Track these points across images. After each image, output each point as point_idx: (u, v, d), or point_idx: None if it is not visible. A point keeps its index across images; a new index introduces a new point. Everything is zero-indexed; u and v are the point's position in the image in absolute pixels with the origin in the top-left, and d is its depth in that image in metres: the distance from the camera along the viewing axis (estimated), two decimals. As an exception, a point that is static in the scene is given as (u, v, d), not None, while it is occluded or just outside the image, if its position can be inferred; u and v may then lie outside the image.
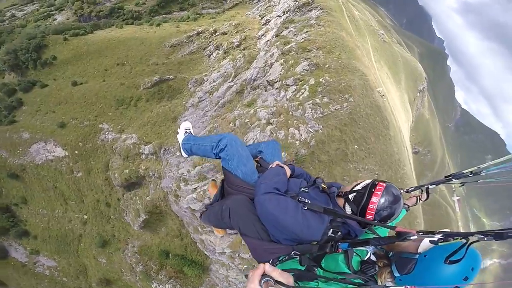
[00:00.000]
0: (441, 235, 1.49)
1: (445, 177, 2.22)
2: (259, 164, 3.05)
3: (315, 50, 26.39)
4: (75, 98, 36.93)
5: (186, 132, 3.47)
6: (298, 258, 2.01)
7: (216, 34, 38.15)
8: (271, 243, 2.26)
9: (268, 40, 31.90)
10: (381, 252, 1.83)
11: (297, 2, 34.68)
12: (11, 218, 36.81)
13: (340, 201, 2.25)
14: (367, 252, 1.85)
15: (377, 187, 2.03)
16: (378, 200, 1.98)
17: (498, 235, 1.35)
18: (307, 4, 33.81)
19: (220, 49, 35.65)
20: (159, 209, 30.84)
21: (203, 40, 38.29)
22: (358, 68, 24.84)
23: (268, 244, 2.27)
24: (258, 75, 25.54)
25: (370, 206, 1.99)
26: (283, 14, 35.29)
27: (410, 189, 2.50)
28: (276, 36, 30.90)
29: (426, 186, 2.41)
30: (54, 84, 40.07)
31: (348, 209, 2.16)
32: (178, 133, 3.54)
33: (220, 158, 2.78)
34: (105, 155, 33.74)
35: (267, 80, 23.46)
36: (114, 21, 50.50)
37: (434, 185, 2.33)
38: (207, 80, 31.67)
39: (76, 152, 34.53)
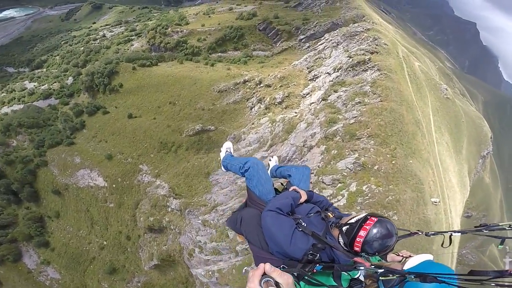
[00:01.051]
0: (382, 270, 1.75)
1: (475, 227, 2.00)
2: (285, 188, 3.46)
3: (366, 139, 22.93)
4: (127, 131, 39.70)
5: (226, 151, 4.14)
6: (287, 269, 2.06)
7: (261, 85, 37.27)
8: (269, 254, 2.54)
9: (312, 103, 29.44)
10: (371, 273, 1.87)
11: (351, 59, 31.41)
12: (39, 228, 39.90)
13: (335, 232, 2.44)
14: (358, 272, 1.91)
15: (368, 222, 2.11)
16: (365, 233, 2.07)
17: (423, 277, 1.53)
18: (362, 62, 30.33)
19: (262, 103, 34.54)
20: (172, 258, 30.62)
21: (248, 90, 37.80)
22: (415, 173, 20.65)
23: (266, 254, 2.56)
24: (294, 156, 23.32)
25: (357, 239, 2.10)
26: (334, 72, 32.38)
27: (430, 233, 2.35)
28: (323, 100, 28.28)
29: (449, 232, 2.21)
30: (114, 112, 43.88)
31: (341, 240, 2.31)
32: (221, 151, 4.18)
33: (245, 176, 3.26)
34: (138, 194, 35.14)
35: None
36: (177, 55, 54.05)
37: (459, 233, 2.12)
38: (245, 139, 30.61)
39: (114, 185, 36.74)
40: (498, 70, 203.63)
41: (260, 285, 1.39)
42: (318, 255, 2.20)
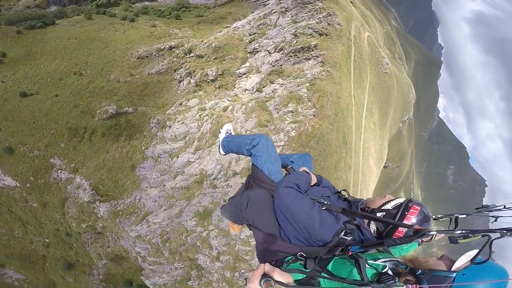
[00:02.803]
0: (460, 231, 1.59)
1: (476, 208, 2.06)
2: (288, 173, 3.13)
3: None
4: (23, 116, 31.80)
5: (227, 132, 3.82)
6: (303, 261, 1.94)
7: (191, 55, 31.16)
8: (280, 240, 2.29)
9: (247, 91, 26.12)
10: (403, 269, 1.70)
11: (295, 40, 27.65)
12: None
13: (368, 215, 2.18)
14: (385, 266, 1.74)
15: (411, 210, 1.98)
16: (411, 222, 1.93)
17: None
18: (307, 48, 27.02)
19: (193, 77, 29.49)
20: (121, 255, 30.02)
21: (175, 59, 31.48)
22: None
23: (277, 241, 2.28)
24: (219, 176, 21.32)
25: (401, 229, 1.92)
26: (274, 51, 28.20)
27: (438, 216, 2.20)
28: (257, 91, 25.16)
29: (455, 215, 2.09)
30: (1, 90, 34.19)
31: (373, 227, 2.10)
32: (220, 132, 3.81)
33: (251, 154, 2.93)
34: (60, 192, 30.68)
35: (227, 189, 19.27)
36: (85, 7, 41.58)
37: (465, 215, 2.08)
38: (171, 127, 26.62)
39: (28, 185, 31.20)
40: (435, 34, 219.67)
41: (260, 285, 1.34)
42: (352, 234, 1.98)
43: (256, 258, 2.51)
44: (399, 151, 68.91)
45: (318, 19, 31.77)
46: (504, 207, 1.91)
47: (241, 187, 3.16)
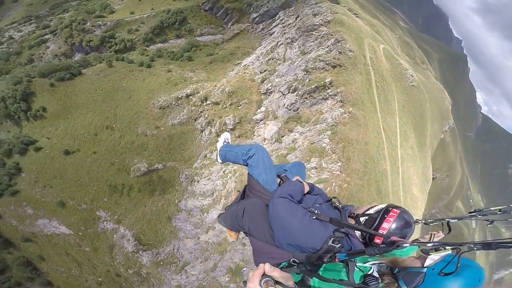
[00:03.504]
0: (432, 244, 1.64)
1: (469, 212, 2.13)
2: (282, 181, 3.22)
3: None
4: (69, 174, 35.53)
5: (224, 141, 3.92)
6: (296, 266, 2.07)
7: (207, 102, 32.03)
8: (275, 247, 2.38)
9: (266, 141, 26.38)
10: (385, 270, 1.78)
11: (307, 78, 26.94)
12: (34, 271, 39.76)
13: (351, 222, 2.30)
14: (371, 268, 1.82)
15: (390, 213, 2.05)
16: (389, 226, 1.99)
17: (487, 245, 1.46)
18: (322, 87, 26.10)
19: (213, 126, 30.53)
20: None
21: (193, 107, 32.64)
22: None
23: (272, 248, 2.39)
24: (246, 241, 22.11)
25: (380, 231, 2.00)
26: (288, 92, 27.83)
27: (429, 221, 2.40)
28: (277, 141, 25.32)
29: (447, 219, 2.28)
30: (48, 147, 38.19)
31: (357, 232, 2.19)
32: (218, 141, 3.95)
33: (247, 164, 3.02)
34: (107, 240, 34.26)
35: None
36: (105, 55, 43.75)
37: (456, 219, 2.22)
38: (198, 184, 28.28)
39: (80, 233, 35.23)
40: (449, 28, 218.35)
41: (260, 285, 1.35)
42: (340, 242, 2.08)
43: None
44: (446, 160, 63.56)
45: (327, 47, 30.19)
46: (500, 210, 1.94)
47: (238, 195, 3.26)
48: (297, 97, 27.54)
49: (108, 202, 33.28)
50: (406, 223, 2.02)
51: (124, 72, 40.49)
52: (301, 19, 36.05)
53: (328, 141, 23.63)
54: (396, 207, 2.10)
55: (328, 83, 27.22)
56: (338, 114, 25.33)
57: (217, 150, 3.80)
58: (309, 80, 28.22)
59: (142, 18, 47.40)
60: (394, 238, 1.87)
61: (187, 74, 37.38)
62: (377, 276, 1.74)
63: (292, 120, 25.96)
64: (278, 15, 41.65)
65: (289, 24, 37.19)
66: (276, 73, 30.47)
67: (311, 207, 2.43)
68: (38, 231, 37.44)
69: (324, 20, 32.70)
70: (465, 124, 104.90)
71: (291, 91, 27.49)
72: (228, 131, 4.49)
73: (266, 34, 40.15)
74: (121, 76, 39.79)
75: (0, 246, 38.85)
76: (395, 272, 1.74)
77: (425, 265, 1.65)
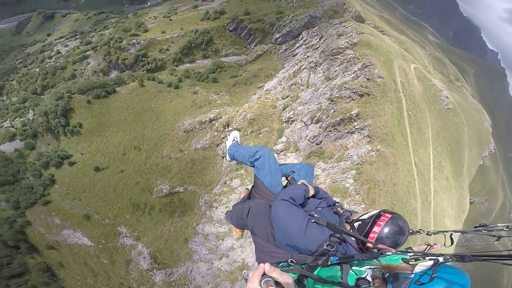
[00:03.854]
0: (413, 253, 1.73)
1: (474, 227, 2.03)
2: (289, 182, 3.33)
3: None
4: (97, 189, 37.66)
5: (233, 140, 4.08)
6: (293, 266, 2.11)
7: (229, 128, 32.86)
8: (275, 247, 2.47)
9: None
10: (378, 274, 1.82)
11: (333, 109, 26.44)
12: (51, 277, 41.17)
13: (347, 227, 2.37)
14: (365, 272, 1.85)
15: (382, 218, 2.10)
16: (379, 230, 2.05)
17: (461, 257, 1.53)
18: (348, 120, 25.41)
19: None
20: None
21: (216, 133, 33.66)
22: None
23: (272, 247, 2.48)
24: None
25: (371, 235, 2.07)
26: (311, 123, 27.68)
27: (431, 232, 2.39)
28: None
29: (450, 232, 2.20)
30: (81, 163, 40.89)
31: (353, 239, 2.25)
32: (227, 139, 4.13)
33: (254, 166, 3.17)
34: (125, 255, 35.40)
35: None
36: (138, 73, 47.02)
37: (459, 233, 2.12)
38: (217, 210, 28.61)
39: (100, 246, 36.74)
40: (482, 40, 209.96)
41: (260, 285, 1.35)
42: (334, 246, 2.14)
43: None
44: (486, 184, 59.10)
45: (353, 73, 28.86)
46: (507, 227, 1.88)
47: (245, 195, 3.39)
48: (320, 129, 27.12)
49: (130, 219, 34.58)
50: (400, 230, 2.04)
51: (154, 92, 42.97)
52: (325, 40, 35.04)
53: (352, 181, 22.11)
54: (389, 212, 2.14)
55: (354, 115, 25.94)
56: (364, 152, 23.79)
57: (225, 147, 3.98)
58: (334, 111, 27.36)
59: (172, 38, 49.87)
60: (380, 246, 1.95)
61: (212, 96, 38.84)
62: (370, 280, 1.78)
63: (315, 154, 25.34)
64: (301, 36, 40.89)
65: (312, 45, 36.87)
66: (299, 100, 30.57)
67: (311, 211, 2.50)
68: (62, 240, 39.58)
69: (349, 42, 31.96)
70: (507, 144, 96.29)
71: (314, 121, 27.07)
72: (237, 130, 4.76)
73: (289, 55, 40.40)
74: (151, 97, 42.24)
75: (25, 251, 41.63)
76: (386, 277, 1.78)
77: (413, 272, 1.68)
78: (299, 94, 31.20)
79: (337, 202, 2.97)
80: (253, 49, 45.79)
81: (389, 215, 2.10)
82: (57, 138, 45.88)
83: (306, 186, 2.98)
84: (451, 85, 56.56)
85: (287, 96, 31.89)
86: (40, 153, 45.77)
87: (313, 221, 2.34)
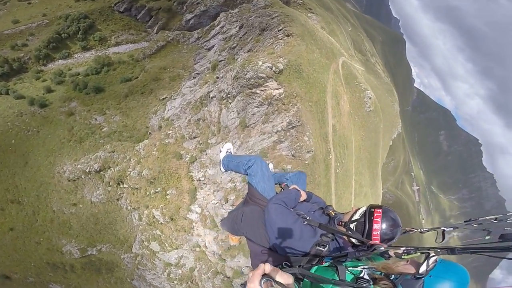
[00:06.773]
0: (404, 248, 1.88)
1: (465, 221, 2.10)
2: (282, 189, 3.57)
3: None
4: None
5: (227, 151, 4.17)
6: (288, 268, 2.01)
7: (124, 185, 25.86)
8: (269, 250, 2.60)
9: (212, 260, 23.99)
10: (379, 275, 1.85)
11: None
12: None
13: (341, 229, 2.39)
14: (361, 271, 1.88)
15: (375, 214, 2.16)
16: (379, 226, 2.11)
17: (451, 250, 1.73)
18: None
19: (142, 218, 26.56)
20: None
21: (110, 188, 26.57)
22: None
23: (267, 251, 2.62)
24: None
25: (374, 233, 2.12)
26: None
27: (424, 230, 2.32)
28: (221, 254, 23.36)
29: (442, 228, 2.18)
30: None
31: (353, 239, 2.29)
32: (220, 151, 4.19)
33: (247, 174, 3.25)
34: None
35: None
36: None
37: (451, 228, 2.16)
38: (146, 276, 27.42)
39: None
40: (388, 9, 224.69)
41: (260, 285, 1.32)
42: (327, 246, 2.21)
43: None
44: (391, 146, 64.87)
45: (276, 133, 21.36)
46: (496, 219, 1.95)
47: (241, 202, 3.50)
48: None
49: (56, 276, 31.65)
50: (394, 223, 2.11)
51: (10, 117, 29.20)
52: (245, 33, 26.16)
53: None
54: (378, 206, 2.20)
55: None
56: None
57: (219, 159, 4.01)
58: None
59: (30, 29, 34.71)
60: (373, 242, 2.04)
61: (95, 119, 27.94)
62: (368, 279, 1.78)
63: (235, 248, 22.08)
64: (218, 19, 30.99)
65: (231, 36, 26.61)
66: (209, 150, 23.23)
67: (303, 214, 2.58)
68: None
69: (273, 67, 22.12)
70: (403, 100, 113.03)
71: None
72: (229, 142, 5.21)
73: (202, 47, 29.04)
74: (7, 126, 28.95)
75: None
76: (392, 278, 1.79)
77: (420, 272, 1.73)
78: (209, 141, 23.23)
79: (329, 205, 2.95)
80: (156, 33, 31.04)
81: (380, 209, 2.13)
82: None
83: (298, 190, 3.04)
84: (369, 64, 58.73)
85: (194, 137, 23.62)
86: None
87: (305, 222, 2.37)
